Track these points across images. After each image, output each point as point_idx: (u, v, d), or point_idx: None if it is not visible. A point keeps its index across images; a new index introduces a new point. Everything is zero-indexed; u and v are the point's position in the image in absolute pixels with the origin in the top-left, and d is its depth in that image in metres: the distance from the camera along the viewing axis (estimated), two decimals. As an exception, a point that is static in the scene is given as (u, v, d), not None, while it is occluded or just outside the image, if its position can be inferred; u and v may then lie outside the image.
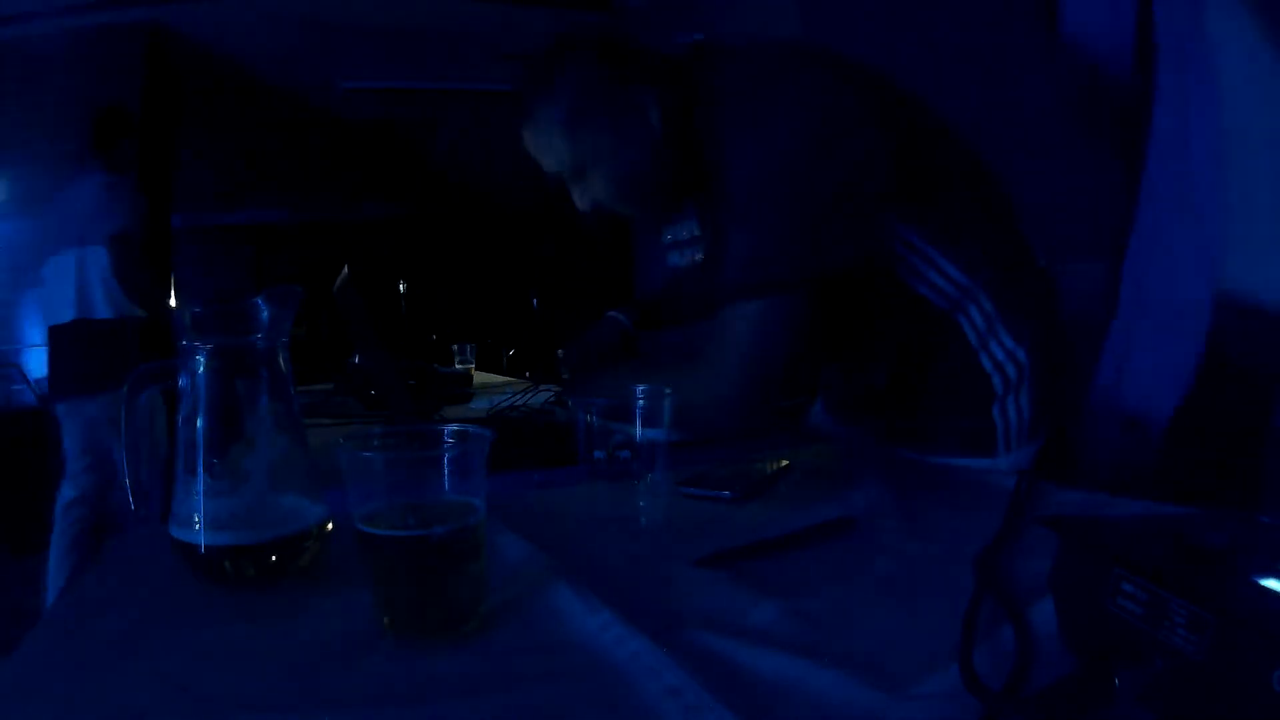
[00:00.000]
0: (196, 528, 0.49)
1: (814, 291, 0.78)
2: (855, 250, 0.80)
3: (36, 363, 3.04)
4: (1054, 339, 0.91)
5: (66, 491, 2.24)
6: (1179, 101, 0.97)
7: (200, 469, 0.50)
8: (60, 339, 2.17)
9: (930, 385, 0.91)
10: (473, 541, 0.43)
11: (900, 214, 0.82)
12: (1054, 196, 1.45)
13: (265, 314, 0.52)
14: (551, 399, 1.32)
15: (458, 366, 1.91)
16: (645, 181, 0.87)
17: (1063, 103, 1.42)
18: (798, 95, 0.77)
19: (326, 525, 0.53)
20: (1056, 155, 1.44)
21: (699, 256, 1.03)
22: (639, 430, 0.63)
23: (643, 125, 0.84)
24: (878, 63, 0.83)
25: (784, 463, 0.80)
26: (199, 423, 0.50)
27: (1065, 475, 0.79)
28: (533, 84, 0.85)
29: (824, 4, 2.16)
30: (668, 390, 0.64)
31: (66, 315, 2.14)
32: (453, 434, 0.46)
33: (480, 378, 1.93)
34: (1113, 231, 1.23)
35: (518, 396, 1.37)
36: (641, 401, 0.63)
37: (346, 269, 1.09)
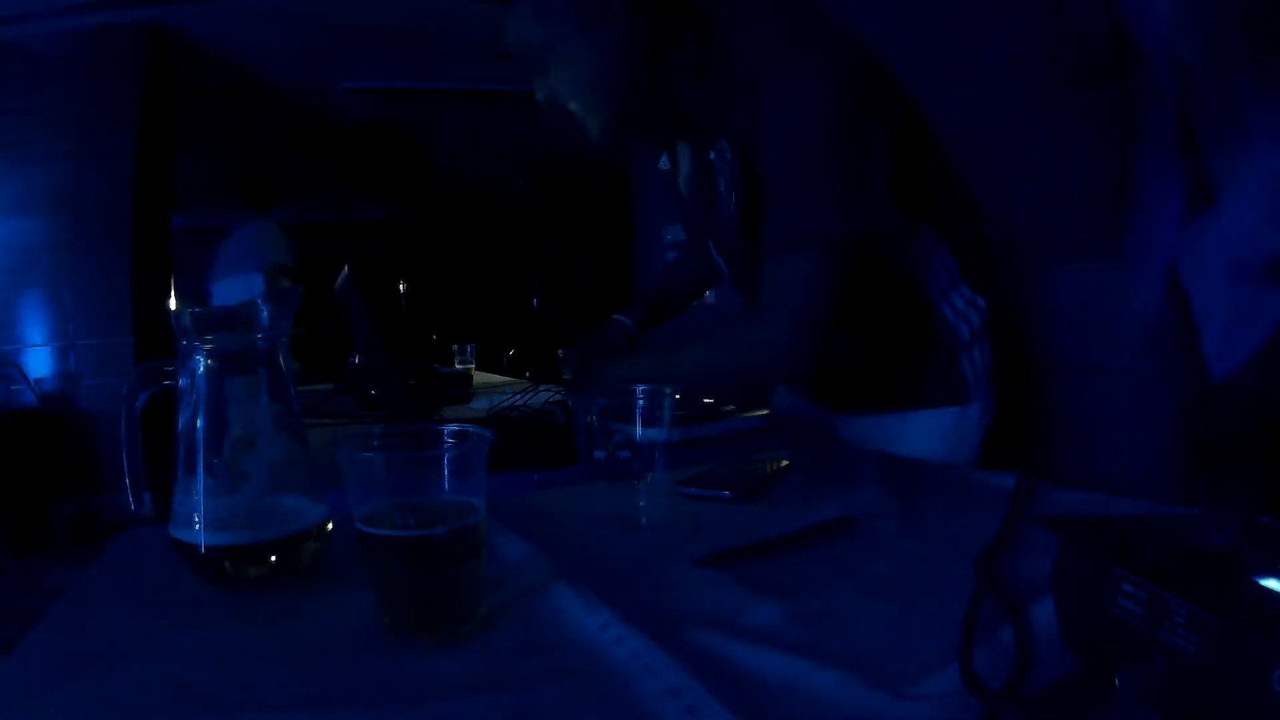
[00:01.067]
0: (196, 528, 0.49)
1: (849, 249, 0.81)
2: (882, 212, 0.83)
3: (36, 363, 3.04)
4: (1010, 291, 0.95)
5: None
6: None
7: (200, 469, 0.50)
8: None
9: (895, 341, 0.95)
10: (473, 541, 0.43)
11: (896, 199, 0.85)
12: (1049, 199, 1.45)
13: (265, 314, 0.52)
14: (554, 398, 1.32)
15: (458, 366, 1.91)
16: (605, 91, 0.87)
17: (1063, 103, 1.42)
18: (826, 63, 0.80)
19: (326, 525, 0.53)
20: (1052, 157, 1.45)
21: (688, 196, 1.03)
22: (639, 430, 0.63)
23: (610, 32, 0.84)
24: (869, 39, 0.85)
25: (784, 463, 0.80)
26: (199, 423, 0.50)
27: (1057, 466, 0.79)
28: None
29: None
30: (668, 390, 0.64)
31: None
32: (453, 434, 0.46)
33: (480, 378, 1.93)
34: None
35: (518, 396, 1.37)
36: (641, 401, 0.63)
37: (346, 269, 1.09)
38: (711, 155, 0.91)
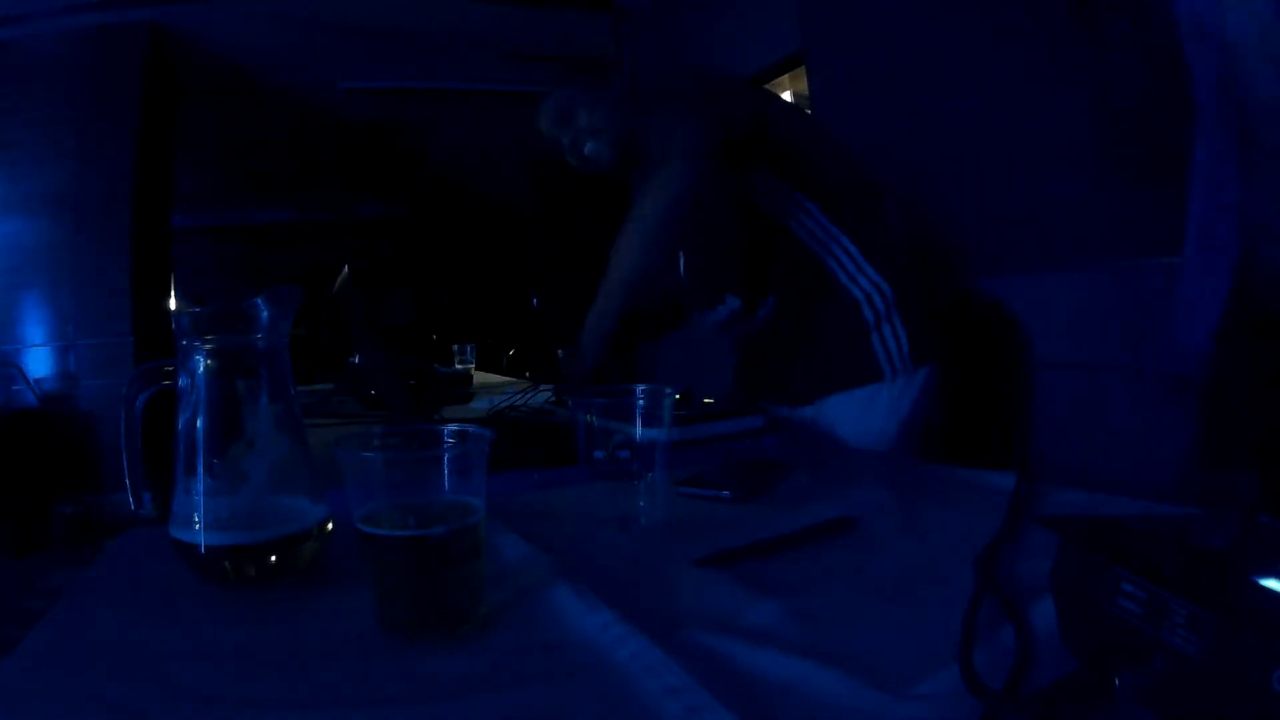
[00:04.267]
0: (196, 528, 0.49)
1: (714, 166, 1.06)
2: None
3: (36, 363, 3.04)
4: (918, 274, 1.11)
5: None
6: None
7: (200, 469, 0.50)
8: None
9: (811, 322, 1.11)
10: (473, 541, 0.43)
11: (771, 165, 1.10)
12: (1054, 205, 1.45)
13: (265, 314, 0.52)
14: (554, 398, 1.32)
15: (458, 366, 1.91)
16: (614, 131, 1.18)
17: (1068, 114, 1.42)
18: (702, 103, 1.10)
19: (326, 525, 0.53)
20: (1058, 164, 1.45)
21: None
22: (639, 430, 0.63)
23: (609, 91, 1.20)
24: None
25: (784, 463, 0.80)
26: (199, 423, 0.50)
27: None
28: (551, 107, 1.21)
29: (821, 6, 2.16)
30: (668, 390, 0.64)
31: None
32: (453, 434, 0.46)
33: (480, 378, 1.93)
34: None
35: (518, 396, 1.37)
36: (641, 401, 0.63)
37: (346, 269, 1.09)
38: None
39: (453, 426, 0.46)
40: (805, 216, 1.10)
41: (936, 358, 1.10)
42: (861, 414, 1.08)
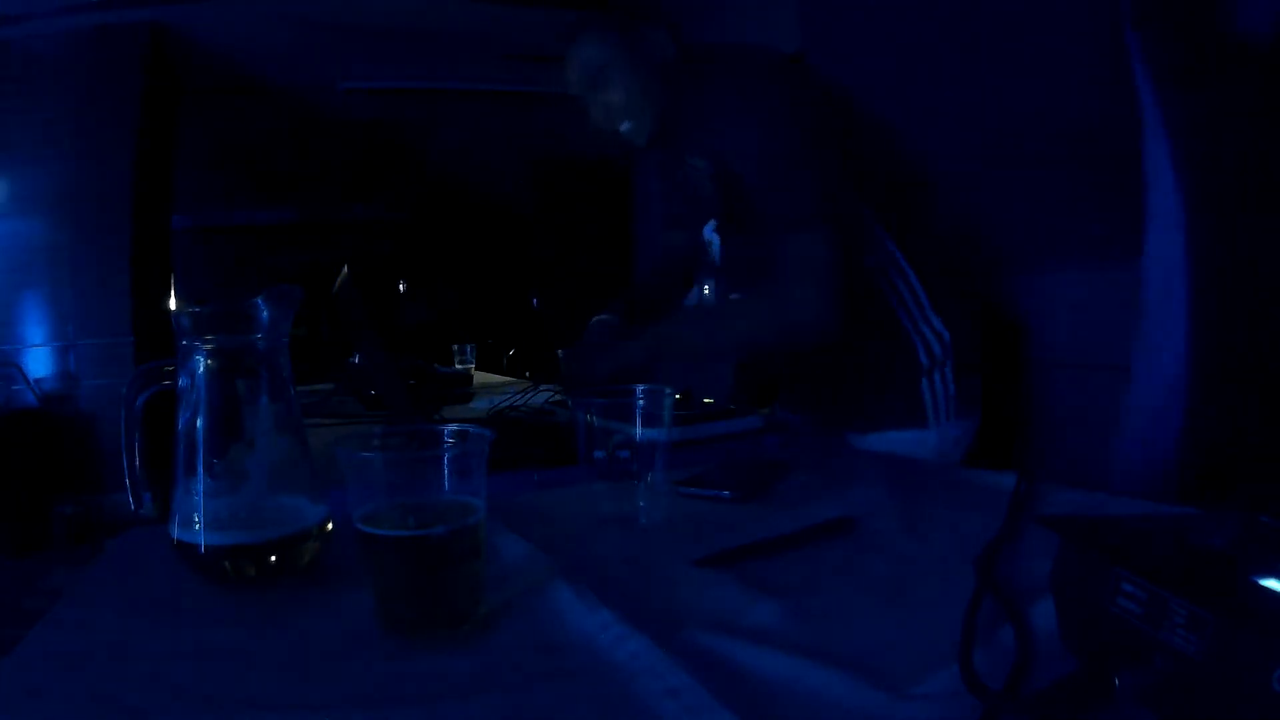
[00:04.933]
0: (196, 528, 0.49)
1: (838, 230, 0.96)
2: (848, 204, 1.01)
3: (36, 363, 3.04)
4: (979, 324, 1.07)
5: None
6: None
7: (200, 469, 0.50)
8: None
9: (865, 353, 1.05)
10: (473, 541, 0.43)
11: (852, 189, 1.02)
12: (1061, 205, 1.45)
13: (265, 314, 0.52)
14: (554, 398, 1.32)
15: (458, 366, 1.91)
16: (650, 98, 1.07)
17: (1063, 115, 1.43)
18: (789, 96, 0.99)
19: (326, 525, 0.53)
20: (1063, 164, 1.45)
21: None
22: (639, 430, 0.63)
23: (653, 60, 1.07)
24: (870, 65, 0.94)
25: (784, 463, 0.80)
26: (199, 423, 0.50)
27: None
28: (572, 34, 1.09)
29: (821, 6, 2.16)
30: (668, 390, 0.64)
31: None
32: (453, 434, 0.46)
33: (480, 378, 1.93)
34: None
35: (518, 396, 1.37)
36: (641, 401, 0.63)
37: (346, 269, 1.09)
38: (696, 163, 1.08)
39: (453, 426, 0.46)
40: (876, 244, 1.03)
41: (979, 405, 1.06)
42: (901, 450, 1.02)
